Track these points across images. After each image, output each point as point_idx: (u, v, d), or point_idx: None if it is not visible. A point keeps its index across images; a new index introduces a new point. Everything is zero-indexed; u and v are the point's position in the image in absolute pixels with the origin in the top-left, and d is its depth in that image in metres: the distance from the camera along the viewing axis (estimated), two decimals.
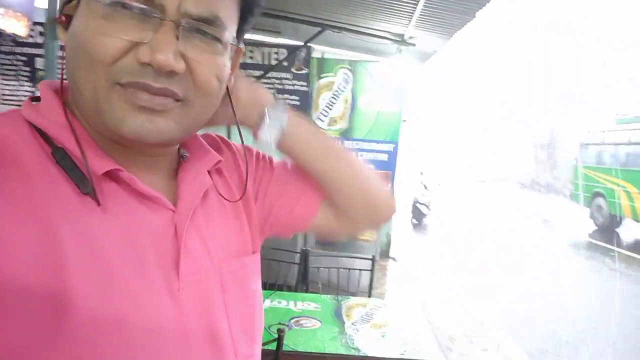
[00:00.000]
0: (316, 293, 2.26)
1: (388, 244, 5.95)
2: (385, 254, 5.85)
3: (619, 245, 9.52)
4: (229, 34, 0.50)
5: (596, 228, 11.44)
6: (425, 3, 3.42)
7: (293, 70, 5.16)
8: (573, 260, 8.18)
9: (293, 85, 5.24)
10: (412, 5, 3.60)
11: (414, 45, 4.62)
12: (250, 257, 0.60)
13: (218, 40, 0.49)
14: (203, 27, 0.48)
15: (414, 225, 9.66)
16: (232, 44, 0.51)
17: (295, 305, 1.97)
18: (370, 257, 2.44)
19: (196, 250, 0.51)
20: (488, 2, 3.25)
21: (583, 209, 12.41)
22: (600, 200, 11.72)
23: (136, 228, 0.47)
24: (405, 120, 7.42)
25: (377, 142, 5.68)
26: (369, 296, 2.29)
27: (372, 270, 2.42)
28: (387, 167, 5.67)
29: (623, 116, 12.65)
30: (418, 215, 9.71)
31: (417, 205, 9.76)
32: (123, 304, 0.43)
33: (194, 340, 0.48)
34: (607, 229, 11.18)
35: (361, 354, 1.55)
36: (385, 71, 5.27)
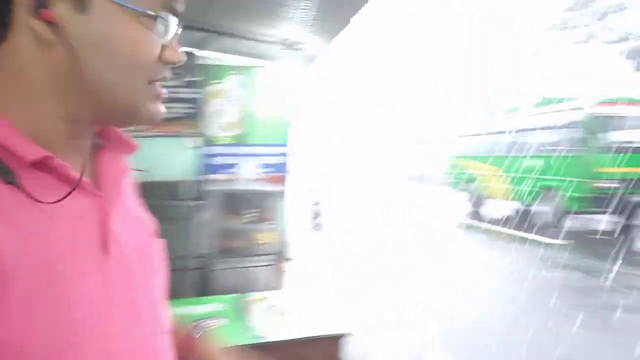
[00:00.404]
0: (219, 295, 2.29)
1: (285, 246, 6.10)
2: (283, 255, 5.98)
3: (491, 222, 10.90)
4: None
5: (471, 210, 12.92)
6: (305, 5, 3.62)
7: (184, 78, 5.06)
8: (451, 238, 9.20)
9: (185, 93, 5.16)
10: (296, 9, 3.78)
11: (300, 49, 4.83)
12: (158, 241, 0.65)
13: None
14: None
15: (311, 226, 10.00)
16: None
17: (199, 309, 1.99)
18: (270, 257, 2.53)
19: (121, 233, 0.54)
20: (366, 2, 3.51)
21: (462, 194, 13.92)
22: (472, 185, 13.24)
23: (66, 212, 0.49)
24: (295, 124, 7.69)
25: (271, 145, 5.81)
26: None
27: (272, 267, 2.51)
28: (283, 169, 5.83)
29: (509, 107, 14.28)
30: (313, 216, 10.12)
31: (312, 206, 10.17)
32: (57, 285, 0.45)
33: (121, 314, 0.51)
34: (479, 209, 12.74)
35: (267, 341, 1.64)
36: (275, 75, 5.43)
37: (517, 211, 11.81)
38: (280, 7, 3.93)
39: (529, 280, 5.49)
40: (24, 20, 0.46)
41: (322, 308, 2.05)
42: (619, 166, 8.86)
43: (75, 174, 0.50)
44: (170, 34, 0.53)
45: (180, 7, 0.54)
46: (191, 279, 2.47)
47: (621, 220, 9.80)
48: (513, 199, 11.77)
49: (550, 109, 10.92)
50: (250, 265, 2.63)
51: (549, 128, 10.53)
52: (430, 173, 27.83)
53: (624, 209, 9.07)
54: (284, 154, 5.88)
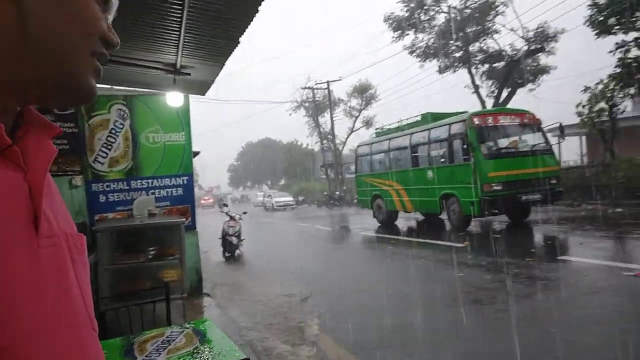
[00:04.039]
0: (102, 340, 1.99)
1: (199, 280, 5.71)
2: (197, 291, 5.59)
3: (397, 234, 11.36)
4: None
5: (379, 225, 13.41)
6: (188, 30, 3.48)
7: (55, 110, 4.56)
8: (366, 251, 9.41)
9: (66, 127, 4.65)
10: (176, 33, 3.62)
11: (188, 74, 4.64)
12: (83, 236, 0.61)
13: None
14: None
15: (227, 258, 9.54)
16: None
17: None
18: (175, 293, 2.29)
19: (48, 215, 0.51)
20: (247, 26, 3.48)
21: (370, 212, 14.42)
22: (379, 201, 13.80)
23: None
24: (197, 152, 7.38)
25: (169, 177, 5.45)
26: (169, 325, 2.13)
27: (167, 301, 2.27)
28: (185, 201, 5.49)
29: (380, 130, 15.30)
30: (229, 247, 9.63)
31: (227, 237, 9.68)
32: None
33: (52, 298, 0.49)
34: (387, 223, 13.28)
35: None
36: (165, 104, 5.11)
37: (424, 221, 12.52)
38: (165, 32, 3.76)
39: (415, 274, 5.75)
40: None
41: (225, 337, 1.87)
42: (504, 170, 9.83)
43: (6, 138, 0.47)
44: (112, 13, 0.55)
45: None
46: None
47: (511, 219, 10.82)
48: (418, 210, 12.46)
49: (433, 124, 11.90)
50: (149, 301, 2.35)
51: (439, 141, 11.42)
52: (338, 195, 28.61)
53: (513, 209, 10.04)
54: (186, 184, 5.56)
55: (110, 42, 0.54)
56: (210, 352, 1.61)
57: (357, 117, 32.92)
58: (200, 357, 1.58)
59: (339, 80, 32.73)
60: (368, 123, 32.32)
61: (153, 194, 5.35)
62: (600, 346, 3.31)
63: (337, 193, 29.41)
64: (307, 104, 34.98)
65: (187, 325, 1.93)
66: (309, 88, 33.49)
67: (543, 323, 3.89)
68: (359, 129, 32.84)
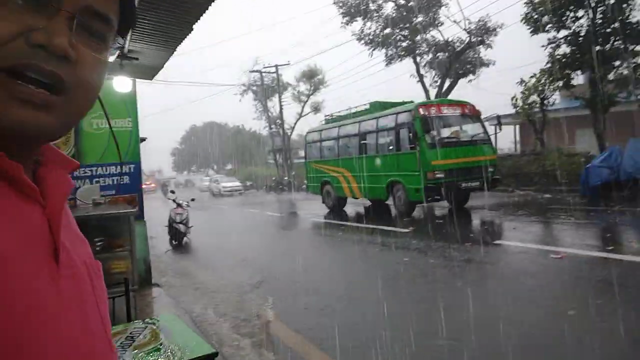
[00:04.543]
0: None
1: (147, 271, 5.59)
2: (146, 281, 5.47)
3: (346, 220, 11.65)
4: (113, 37, 0.53)
5: (328, 210, 13.65)
6: (139, 13, 3.35)
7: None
8: (317, 237, 9.59)
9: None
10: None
11: (136, 59, 4.46)
12: (99, 263, 0.63)
13: (104, 40, 0.51)
14: (96, 25, 0.50)
15: (174, 247, 9.35)
16: (111, 47, 0.54)
17: None
18: (122, 287, 2.26)
19: (67, 246, 0.53)
20: (203, 13, 3.41)
21: (318, 197, 14.61)
22: (328, 188, 14.02)
23: (16, 216, 0.47)
24: (144, 139, 7.10)
25: (115, 165, 5.25)
26: (129, 321, 2.11)
27: (126, 296, 2.24)
28: (132, 189, 5.32)
29: (330, 117, 15.47)
30: (176, 235, 9.42)
31: (174, 225, 9.47)
32: (6, 290, 0.43)
33: (74, 327, 0.50)
34: (336, 209, 13.54)
35: None
36: (110, 88, 4.89)
37: (371, 206, 12.88)
38: None
39: (363, 259, 6.03)
40: None
41: (194, 331, 1.90)
42: (446, 159, 10.32)
43: (27, 178, 0.48)
44: (53, 20, 0.45)
45: None
46: None
47: (452, 206, 11.41)
48: (366, 196, 12.79)
49: (381, 113, 12.22)
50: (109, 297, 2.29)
51: (386, 129, 11.75)
52: (287, 180, 28.64)
53: (454, 196, 10.59)
54: (132, 172, 5.38)
55: (42, 46, 0.44)
56: (177, 347, 1.64)
57: (305, 102, 32.88)
58: (168, 352, 1.61)
59: (288, 64, 32.48)
60: (316, 109, 32.40)
61: (97, 182, 5.13)
62: (535, 323, 3.66)
63: (285, 178, 29.41)
64: (255, 88, 34.44)
65: (150, 320, 1.94)
66: (257, 71, 32.96)
67: (482, 303, 4.21)
68: (307, 114, 32.85)
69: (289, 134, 33.46)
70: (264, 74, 33.06)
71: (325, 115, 16.43)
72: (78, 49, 0.47)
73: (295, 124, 33.72)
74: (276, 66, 31.68)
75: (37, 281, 0.48)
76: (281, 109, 32.41)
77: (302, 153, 17.82)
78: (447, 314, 3.87)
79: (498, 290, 4.69)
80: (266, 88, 33.57)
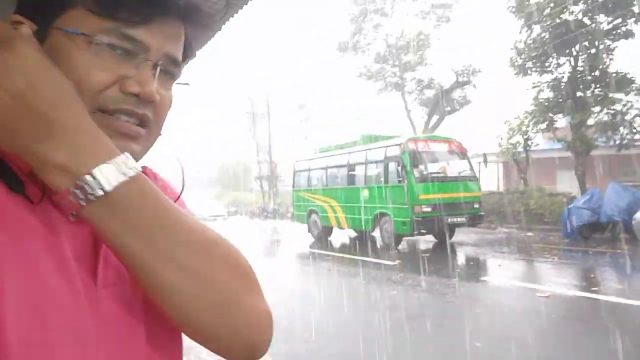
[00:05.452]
0: None
1: None
2: None
3: (332, 250, 11.58)
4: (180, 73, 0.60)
5: (314, 240, 13.57)
6: None
7: None
8: (302, 267, 9.48)
9: None
10: None
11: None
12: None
13: (174, 78, 0.59)
14: (172, 68, 0.57)
15: None
16: (177, 83, 0.61)
17: None
18: None
19: (115, 261, 0.52)
20: (207, 42, 3.47)
21: (303, 226, 14.54)
22: (314, 217, 13.98)
23: (62, 229, 0.49)
24: None
25: None
26: None
27: None
28: None
29: (325, 148, 15.61)
30: None
31: None
32: (45, 305, 0.44)
33: (112, 345, 0.50)
34: (321, 238, 13.45)
35: None
36: None
37: (357, 237, 12.85)
38: None
39: (350, 292, 5.98)
40: None
41: None
42: (433, 193, 10.44)
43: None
44: (141, 68, 0.53)
45: (156, 45, 0.54)
46: None
47: (438, 239, 11.46)
48: (352, 227, 12.79)
49: (371, 145, 12.42)
50: None
51: (375, 162, 11.90)
52: (272, 208, 28.49)
53: (440, 229, 10.67)
54: None
55: (131, 94, 0.52)
56: None
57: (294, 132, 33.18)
58: None
59: (278, 93, 32.97)
60: (306, 138, 32.70)
61: None
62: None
63: (271, 206, 29.26)
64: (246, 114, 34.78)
65: None
66: (248, 99, 33.35)
67: (469, 338, 4.20)
68: (296, 143, 33.11)
69: (276, 162, 33.61)
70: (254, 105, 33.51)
71: (321, 148, 16.39)
72: (160, 92, 0.56)
73: (284, 153, 33.92)
74: (267, 93, 32.11)
75: (75, 302, 0.47)
76: (270, 138, 32.64)
77: (288, 181, 17.88)
78: (436, 348, 3.84)
79: (486, 327, 4.69)
80: (256, 115, 33.88)
